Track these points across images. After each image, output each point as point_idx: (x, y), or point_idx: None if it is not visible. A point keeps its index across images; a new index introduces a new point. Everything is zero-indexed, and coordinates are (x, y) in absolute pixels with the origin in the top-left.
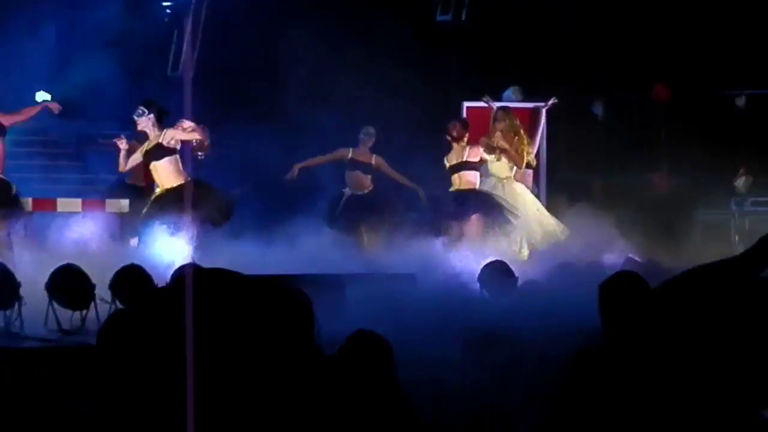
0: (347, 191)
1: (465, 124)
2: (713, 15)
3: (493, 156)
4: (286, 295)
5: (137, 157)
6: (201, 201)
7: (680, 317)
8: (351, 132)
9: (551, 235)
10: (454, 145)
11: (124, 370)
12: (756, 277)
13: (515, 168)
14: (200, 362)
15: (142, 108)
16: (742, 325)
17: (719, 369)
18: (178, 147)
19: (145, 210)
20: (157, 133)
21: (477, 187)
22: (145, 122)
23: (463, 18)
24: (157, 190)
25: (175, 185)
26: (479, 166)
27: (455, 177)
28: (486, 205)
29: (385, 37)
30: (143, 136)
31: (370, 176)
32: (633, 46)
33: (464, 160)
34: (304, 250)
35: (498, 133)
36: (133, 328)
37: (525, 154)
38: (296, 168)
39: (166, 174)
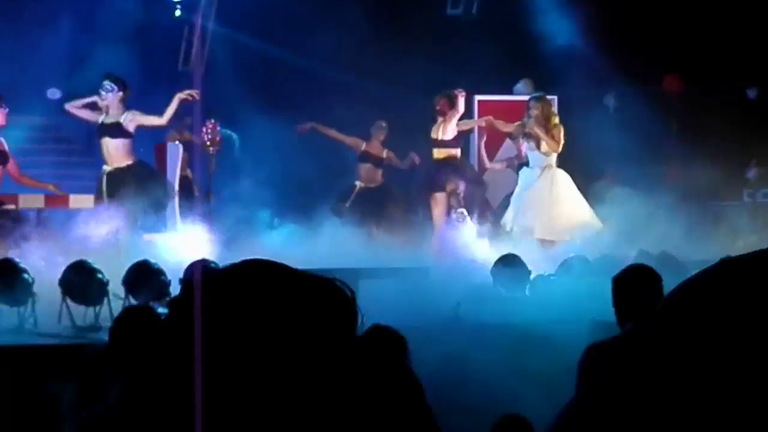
0: (358, 184)
1: (452, 101)
2: (725, 6)
3: (532, 144)
4: (327, 291)
5: (88, 119)
6: (147, 182)
7: (713, 312)
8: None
9: (586, 226)
10: (438, 118)
11: (137, 366)
12: None
13: (555, 155)
14: (223, 361)
15: (110, 83)
16: None
17: (753, 367)
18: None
19: (98, 187)
20: (120, 111)
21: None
22: (112, 98)
23: (474, 12)
24: (106, 168)
25: (123, 165)
26: (456, 143)
27: (435, 150)
28: (457, 175)
29: (396, 31)
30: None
31: (381, 170)
32: (645, 38)
33: (435, 137)
34: (321, 242)
35: (532, 121)
36: (146, 324)
37: (561, 139)
38: (309, 125)
39: (116, 153)
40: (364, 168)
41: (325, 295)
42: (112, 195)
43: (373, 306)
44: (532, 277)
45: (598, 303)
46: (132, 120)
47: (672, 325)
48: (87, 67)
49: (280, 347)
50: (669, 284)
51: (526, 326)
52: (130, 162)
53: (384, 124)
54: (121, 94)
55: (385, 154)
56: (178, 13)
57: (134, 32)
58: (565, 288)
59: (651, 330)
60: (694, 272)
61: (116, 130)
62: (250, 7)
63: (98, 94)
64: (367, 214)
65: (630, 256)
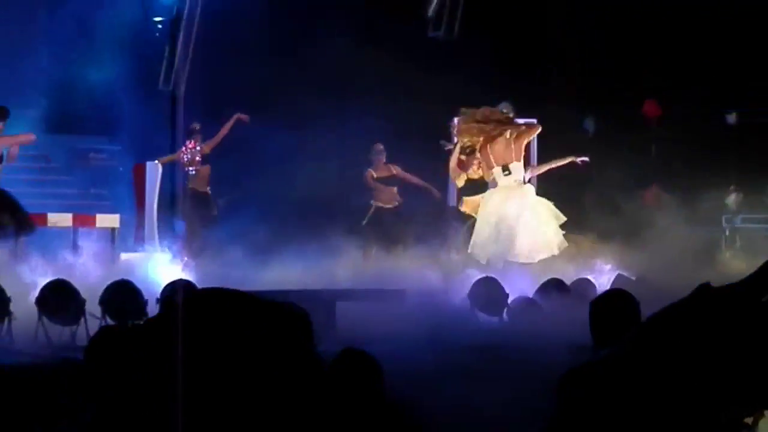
0: (375, 203)
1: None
2: (704, 33)
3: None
4: (281, 310)
5: None
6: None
7: (683, 341)
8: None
9: (548, 246)
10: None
11: (112, 386)
12: (759, 302)
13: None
14: (196, 380)
15: None
16: (745, 350)
17: (719, 392)
18: None
19: None
20: None
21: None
22: None
23: (455, 34)
24: None
25: None
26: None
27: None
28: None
29: (377, 53)
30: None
31: (396, 188)
32: (624, 63)
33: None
34: (305, 264)
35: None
36: (122, 345)
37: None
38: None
39: None
40: (382, 191)
41: (281, 316)
42: None
43: (350, 327)
44: (509, 300)
45: (576, 327)
46: None
47: (648, 351)
48: (66, 87)
49: (247, 363)
50: (646, 309)
51: (503, 350)
52: None
53: (381, 147)
54: None
55: (393, 170)
56: (158, 33)
57: (114, 52)
58: (542, 311)
59: (626, 356)
60: (672, 296)
61: None
62: (233, 28)
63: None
64: (383, 234)
65: (608, 280)
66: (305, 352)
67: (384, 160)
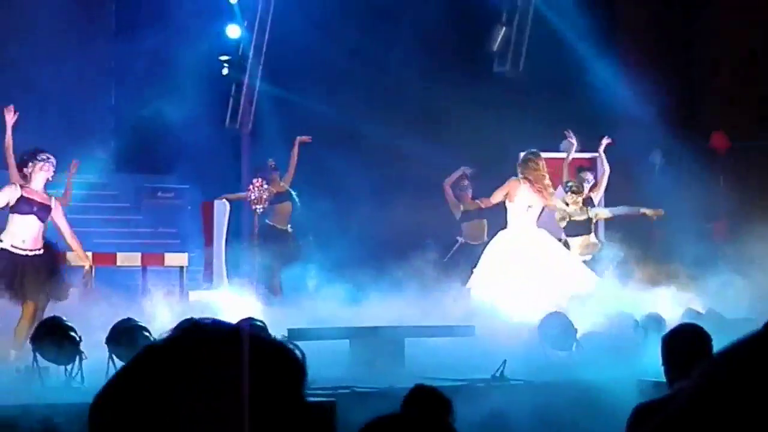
0: (460, 239)
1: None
2: None
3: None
4: (271, 351)
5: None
6: (53, 271)
7: (753, 376)
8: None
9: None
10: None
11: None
12: None
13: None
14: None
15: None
16: None
17: None
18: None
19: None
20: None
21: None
22: (50, 172)
23: (520, 68)
24: (21, 243)
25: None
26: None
27: None
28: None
29: (443, 88)
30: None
31: (485, 220)
32: (691, 94)
33: None
34: (387, 300)
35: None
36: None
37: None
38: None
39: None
40: (470, 225)
41: (270, 357)
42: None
43: (419, 364)
44: (578, 335)
45: (646, 361)
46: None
47: (717, 386)
48: (133, 126)
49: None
50: (716, 343)
51: (572, 385)
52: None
53: (466, 182)
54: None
55: (482, 204)
56: (225, 71)
57: (180, 91)
58: (612, 345)
59: (695, 391)
60: (742, 331)
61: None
62: (301, 64)
63: (41, 160)
64: (463, 270)
65: (677, 314)
66: (288, 400)
67: (470, 196)
